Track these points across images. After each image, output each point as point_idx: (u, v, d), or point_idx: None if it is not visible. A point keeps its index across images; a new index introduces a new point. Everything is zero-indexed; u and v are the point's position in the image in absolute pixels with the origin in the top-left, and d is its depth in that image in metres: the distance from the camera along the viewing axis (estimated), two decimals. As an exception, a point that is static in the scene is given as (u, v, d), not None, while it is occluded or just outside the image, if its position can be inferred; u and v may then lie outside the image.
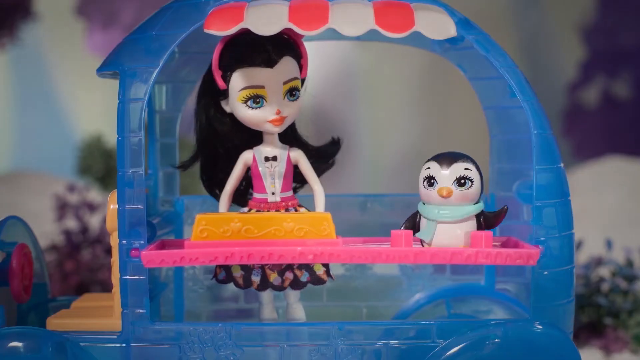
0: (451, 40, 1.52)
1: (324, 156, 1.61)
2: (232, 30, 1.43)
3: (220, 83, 1.51)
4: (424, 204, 1.52)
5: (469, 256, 1.47)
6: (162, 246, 1.56)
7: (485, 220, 1.51)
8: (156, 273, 1.72)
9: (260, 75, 1.49)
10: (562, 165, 1.52)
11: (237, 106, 1.51)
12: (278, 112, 1.50)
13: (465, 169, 1.50)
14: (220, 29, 1.43)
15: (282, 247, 1.45)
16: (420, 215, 1.52)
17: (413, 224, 1.52)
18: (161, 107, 1.79)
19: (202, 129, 1.57)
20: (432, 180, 1.50)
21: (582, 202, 3.31)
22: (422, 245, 1.51)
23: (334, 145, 1.62)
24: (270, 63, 1.48)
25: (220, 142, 1.58)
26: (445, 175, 1.50)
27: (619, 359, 2.26)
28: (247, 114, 1.51)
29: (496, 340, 1.47)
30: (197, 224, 1.47)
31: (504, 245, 1.59)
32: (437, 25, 1.45)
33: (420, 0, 1.48)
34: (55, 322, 1.50)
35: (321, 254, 1.46)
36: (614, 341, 2.28)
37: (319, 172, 1.59)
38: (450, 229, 1.50)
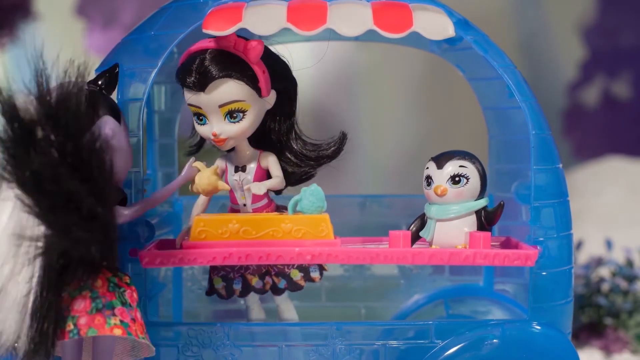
0: (449, 41, 1.53)
1: (324, 157, 1.59)
2: (231, 30, 1.43)
3: None
4: (429, 203, 1.53)
5: (467, 257, 1.47)
6: (161, 246, 1.55)
7: (486, 217, 1.51)
8: (154, 273, 1.72)
9: (195, 96, 1.48)
10: (560, 165, 1.52)
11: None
12: (214, 135, 1.48)
13: (460, 166, 1.50)
14: (219, 29, 1.43)
15: (280, 247, 1.45)
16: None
17: (422, 224, 1.54)
18: (160, 107, 1.80)
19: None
20: (430, 180, 1.52)
21: (582, 202, 3.30)
22: (430, 245, 1.52)
23: (339, 143, 1.58)
24: (200, 87, 1.46)
25: None
26: (440, 173, 1.51)
27: (619, 359, 2.26)
28: (197, 128, 1.52)
29: (494, 340, 1.47)
30: (196, 225, 1.47)
31: (503, 245, 1.59)
32: (435, 25, 1.45)
33: (418, 1, 1.48)
34: (54, 323, 1.50)
35: (319, 254, 1.46)
36: (614, 341, 2.27)
37: (308, 176, 1.58)
38: (446, 226, 1.50)
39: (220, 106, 1.47)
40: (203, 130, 1.50)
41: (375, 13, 1.44)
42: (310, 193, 1.49)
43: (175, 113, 1.81)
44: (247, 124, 1.49)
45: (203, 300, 1.83)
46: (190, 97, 1.48)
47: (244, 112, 1.48)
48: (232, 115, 1.48)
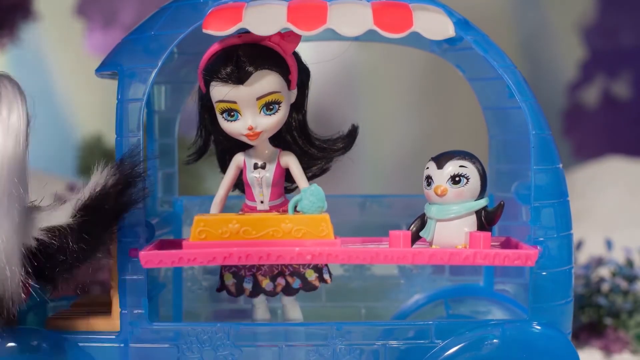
0: (450, 41, 1.53)
1: (333, 151, 1.59)
2: (231, 30, 1.43)
3: (202, 88, 1.52)
4: (429, 203, 1.53)
5: (467, 257, 1.47)
6: (161, 246, 1.56)
7: (486, 217, 1.51)
8: (155, 273, 1.72)
9: (231, 91, 1.47)
10: (560, 165, 1.52)
11: (217, 116, 1.52)
12: (250, 128, 1.48)
13: (460, 166, 1.50)
14: (219, 29, 1.43)
15: (280, 247, 1.45)
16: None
17: (422, 224, 1.54)
18: (160, 107, 1.80)
19: (205, 127, 1.58)
20: (430, 180, 1.52)
21: (582, 202, 3.31)
22: (430, 245, 1.52)
23: (348, 136, 1.59)
24: (239, 80, 1.46)
25: (219, 140, 1.58)
26: (440, 173, 1.51)
27: (619, 359, 2.26)
28: (224, 126, 1.51)
29: (494, 340, 1.47)
30: (196, 225, 1.47)
31: (503, 245, 1.59)
32: (435, 25, 1.45)
33: (418, 1, 1.48)
34: (54, 322, 1.51)
35: (319, 254, 1.46)
36: (614, 341, 2.27)
37: (321, 171, 1.59)
38: (447, 226, 1.50)
39: (259, 98, 1.48)
40: (234, 126, 1.50)
41: (375, 13, 1.44)
42: (311, 193, 1.49)
43: (175, 113, 1.81)
44: (281, 116, 1.50)
45: (203, 301, 1.83)
46: (225, 92, 1.47)
47: (279, 103, 1.49)
48: (269, 107, 1.49)
